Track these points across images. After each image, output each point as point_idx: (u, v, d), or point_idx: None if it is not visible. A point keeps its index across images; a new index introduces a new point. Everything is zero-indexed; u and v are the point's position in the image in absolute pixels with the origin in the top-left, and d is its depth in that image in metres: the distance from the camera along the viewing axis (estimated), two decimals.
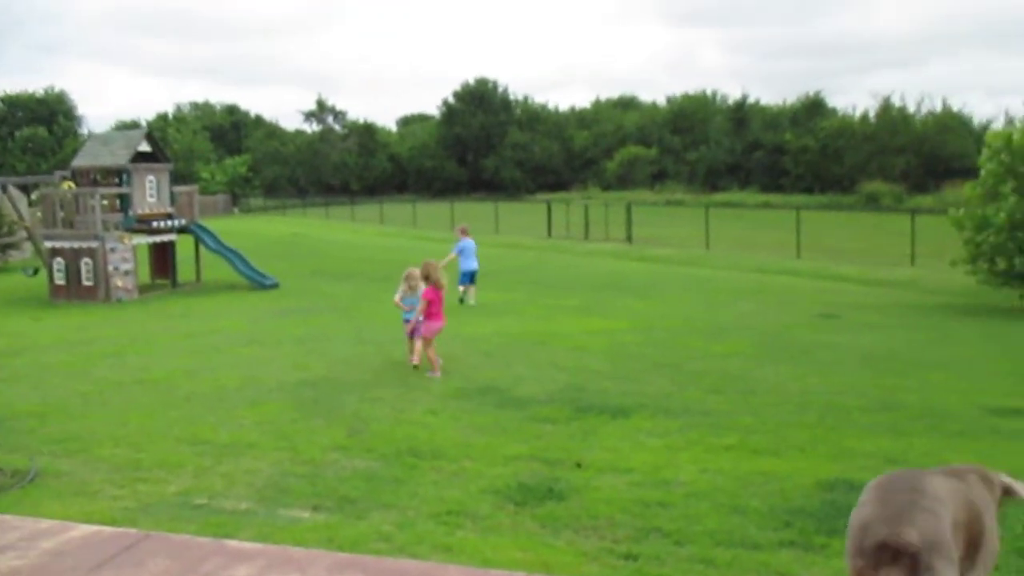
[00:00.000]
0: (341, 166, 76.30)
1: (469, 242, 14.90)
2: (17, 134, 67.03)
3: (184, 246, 20.20)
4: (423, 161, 76.71)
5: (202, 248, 19.79)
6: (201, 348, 10.87)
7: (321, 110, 79.72)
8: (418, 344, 9.12)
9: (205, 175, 67.83)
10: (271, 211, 62.95)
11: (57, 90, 71.55)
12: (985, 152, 14.82)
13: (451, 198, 62.85)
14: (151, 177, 18.38)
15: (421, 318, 9.05)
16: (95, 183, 18.15)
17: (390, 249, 28.98)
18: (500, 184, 75.06)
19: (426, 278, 9.02)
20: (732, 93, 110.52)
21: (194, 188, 20.14)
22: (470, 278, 14.69)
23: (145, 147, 18.57)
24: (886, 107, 53.05)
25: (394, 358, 9.78)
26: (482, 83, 78.51)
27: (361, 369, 9.18)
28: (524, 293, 16.41)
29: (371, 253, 27.18)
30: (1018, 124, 16.19)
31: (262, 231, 40.52)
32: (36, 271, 20.93)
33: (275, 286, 18.23)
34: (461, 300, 14.58)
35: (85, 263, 17.24)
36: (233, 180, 68.86)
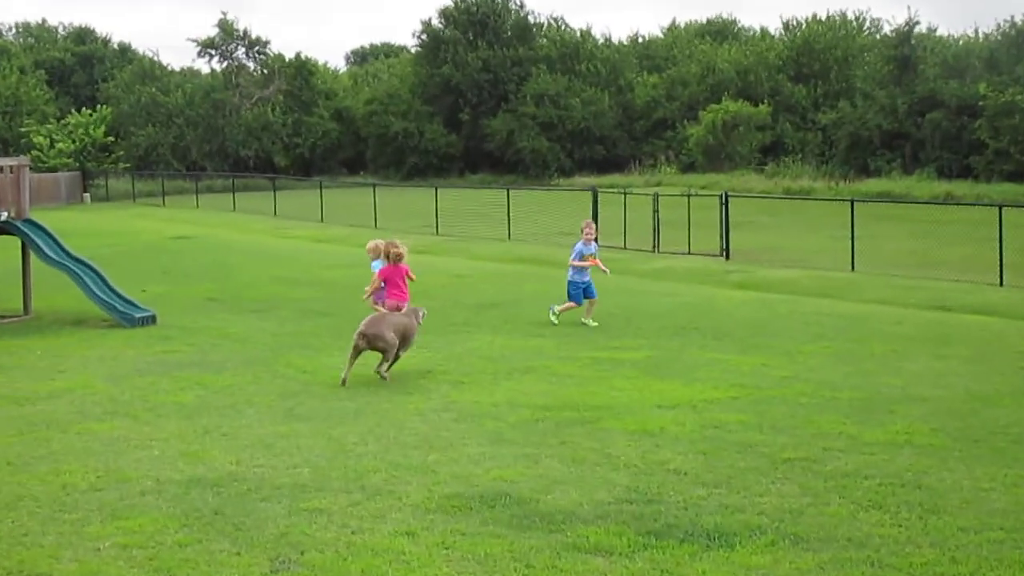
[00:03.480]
0: (257, 129, 77.08)
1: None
2: None
3: (4, 254, 20.28)
4: (389, 122, 77.52)
5: (33, 258, 19.86)
6: (31, 422, 10.88)
7: (227, 38, 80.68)
8: None
9: (40, 140, 68.46)
10: (144, 199, 63.55)
11: None
12: None
13: (435, 181, 63.14)
14: None
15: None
16: None
17: (336, 264, 29.02)
18: (516, 160, 75.48)
19: (385, 255, 14.75)
20: (890, 16, 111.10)
21: (23, 161, 20.28)
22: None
23: None
24: None
25: (346, 442, 9.76)
26: None
27: (292, 461, 9.17)
28: (557, 338, 16.38)
29: (305, 270, 27.25)
30: None
31: (130, 232, 40.70)
32: None
33: (150, 321, 18.27)
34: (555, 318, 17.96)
35: None
36: (84, 149, 69.53)
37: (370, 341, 12.80)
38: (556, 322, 17.56)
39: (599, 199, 35.24)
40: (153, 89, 76.95)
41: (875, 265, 26.21)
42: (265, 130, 77.21)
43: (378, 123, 77.98)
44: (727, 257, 29.56)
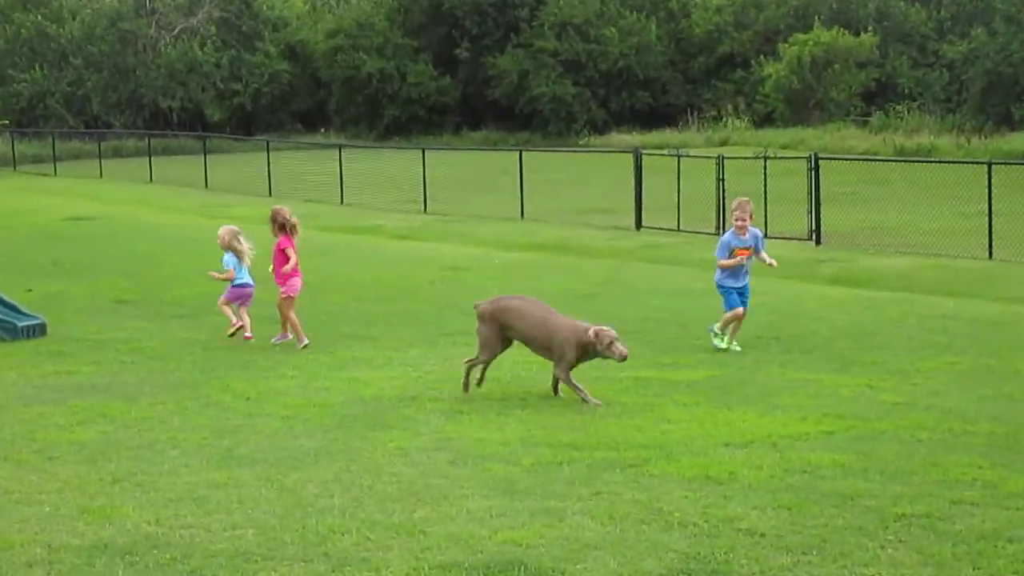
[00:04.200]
0: (181, 71, 76.98)
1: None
2: None
3: None
4: (359, 61, 77.37)
5: None
6: None
7: None
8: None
9: None
10: (28, 167, 63.70)
11: None
12: None
13: (423, 141, 62.86)
14: None
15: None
16: None
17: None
18: (531, 112, 75.39)
19: (282, 226, 17.05)
20: None
21: None
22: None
23: None
24: None
25: (304, 494, 9.74)
26: None
27: (232, 519, 9.16)
28: None
29: (269, 263, 27.25)
30: None
31: (9, 211, 40.60)
32: None
33: (38, 332, 18.29)
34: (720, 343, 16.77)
35: None
36: None
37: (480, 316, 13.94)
38: (725, 346, 16.55)
39: (643, 163, 35.12)
40: (38, 17, 76.96)
41: (1022, 251, 26.09)
42: (192, 72, 77.18)
43: (344, 63, 77.98)
44: (817, 241, 29.51)
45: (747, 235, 16.90)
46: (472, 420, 12.41)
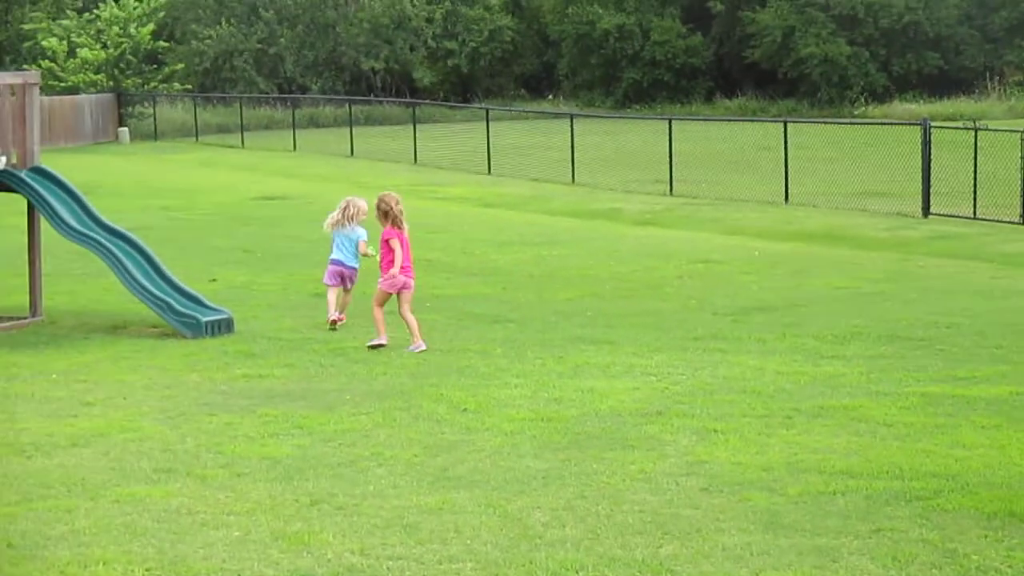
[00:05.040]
0: (387, 28, 77.62)
1: None
2: None
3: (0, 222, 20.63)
4: (595, 15, 77.24)
5: (46, 229, 20.30)
6: (45, 483, 11.15)
7: None
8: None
9: (52, 45, 69.71)
10: (212, 137, 64.80)
11: None
12: None
13: (669, 110, 62.62)
14: None
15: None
16: None
17: (513, 240, 29.09)
18: (797, 76, 74.77)
19: (385, 214, 17.57)
20: None
21: (29, 79, 20.69)
22: None
23: None
24: None
25: (531, 523, 9.77)
26: None
27: (448, 551, 9.22)
28: (865, 361, 16.12)
29: (465, 250, 27.41)
30: None
31: (191, 188, 41.42)
32: None
33: (224, 328, 18.60)
34: None
35: None
36: (120, 58, 70.71)
37: None
38: None
39: (932, 138, 34.65)
40: None
41: None
42: (399, 29, 77.87)
43: (577, 17, 78.11)
44: None
45: None
46: (728, 441, 12.36)
